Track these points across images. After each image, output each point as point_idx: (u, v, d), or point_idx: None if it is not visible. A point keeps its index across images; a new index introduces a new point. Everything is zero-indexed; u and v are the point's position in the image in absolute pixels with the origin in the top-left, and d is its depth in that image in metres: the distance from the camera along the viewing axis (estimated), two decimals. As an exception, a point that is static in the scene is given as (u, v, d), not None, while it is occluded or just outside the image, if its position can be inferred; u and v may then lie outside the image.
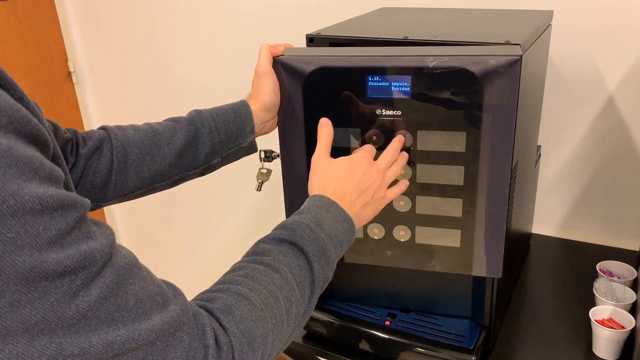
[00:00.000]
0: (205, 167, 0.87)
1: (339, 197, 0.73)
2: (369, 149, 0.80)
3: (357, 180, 0.75)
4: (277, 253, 0.64)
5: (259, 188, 0.98)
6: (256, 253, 0.64)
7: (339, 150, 0.85)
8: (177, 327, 0.49)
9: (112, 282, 0.45)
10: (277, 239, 0.66)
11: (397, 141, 0.81)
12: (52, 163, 0.45)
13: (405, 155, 0.82)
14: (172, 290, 0.52)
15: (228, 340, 0.52)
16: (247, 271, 0.61)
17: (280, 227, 0.68)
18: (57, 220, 0.42)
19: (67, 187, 0.47)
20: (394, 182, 0.81)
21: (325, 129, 0.81)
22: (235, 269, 0.62)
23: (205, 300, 0.56)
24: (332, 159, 0.78)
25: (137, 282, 0.47)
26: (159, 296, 0.49)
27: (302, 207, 0.72)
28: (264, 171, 0.98)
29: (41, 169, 0.42)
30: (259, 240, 0.67)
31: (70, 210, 0.43)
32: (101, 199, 0.80)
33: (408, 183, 0.83)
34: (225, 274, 0.62)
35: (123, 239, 2.34)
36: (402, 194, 0.84)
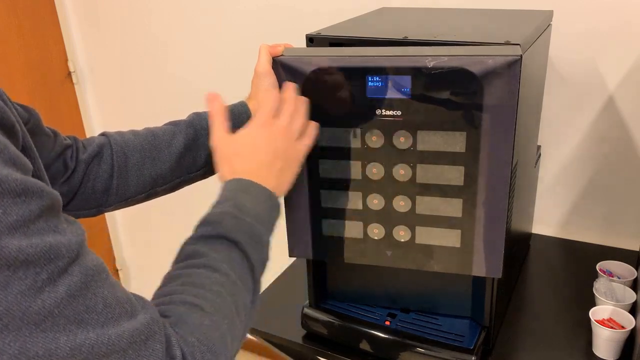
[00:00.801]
0: (206, 170, 0.87)
1: (253, 174, 0.71)
2: (267, 108, 0.76)
3: (264, 150, 0.73)
4: (208, 251, 0.61)
5: None
6: (187, 257, 0.61)
7: (338, 150, 0.85)
8: (148, 335, 0.47)
9: (80, 281, 0.43)
10: (204, 236, 0.63)
11: (291, 89, 0.79)
12: (20, 152, 0.44)
13: (302, 98, 0.79)
14: (141, 302, 0.50)
15: (191, 350, 0.51)
16: (184, 279, 0.58)
17: (203, 223, 0.65)
18: (20, 207, 0.40)
19: (38, 177, 0.46)
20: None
21: (215, 105, 0.77)
22: (170, 278, 0.59)
23: None
24: (232, 136, 0.75)
25: (105, 286, 0.46)
26: (128, 304, 0.47)
27: (219, 196, 0.69)
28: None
29: (5, 151, 0.41)
30: (184, 243, 0.64)
31: (35, 198, 0.42)
32: (103, 204, 0.80)
33: (316, 124, 0.80)
34: (162, 286, 0.58)
35: (124, 241, 2.34)
36: (402, 194, 0.84)
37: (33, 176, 0.45)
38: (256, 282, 0.64)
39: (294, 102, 0.78)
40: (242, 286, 0.61)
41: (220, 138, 0.76)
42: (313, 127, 0.81)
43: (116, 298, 0.46)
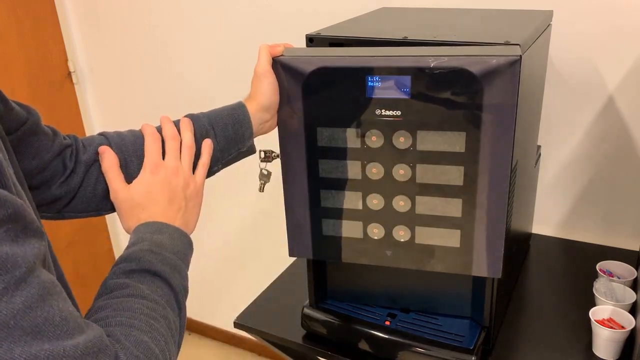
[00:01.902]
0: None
1: (161, 217, 0.72)
2: (151, 155, 0.76)
3: (160, 196, 0.74)
4: (134, 283, 0.62)
5: (262, 189, 0.98)
6: (112, 289, 0.61)
7: (338, 150, 0.85)
8: (100, 348, 0.48)
9: (37, 293, 0.43)
10: (126, 271, 0.64)
11: (167, 122, 0.79)
12: None
13: (181, 136, 0.79)
14: (86, 321, 0.50)
15: None
16: (114, 306, 0.58)
17: (122, 260, 0.65)
18: None
19: (3, 185, 0.46)
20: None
21: (106, 158, 0.76)
22: (98, 309, 0.58)
23: None
24: (128, 188, 0.75)
25: (60, 301, 0.46)
26: (79, 319, 0.48)
27: (133, 238, 0.70)
28: (265, 172, 0.98)
29: None
30: (105, 280, 0.64)
31: None
32: (103, 208, 0.80)
33: (209, 151, 0.80)
34: (90, 317, 0.57)
35: (124, 242, 2.34)
36: (402, 194, 0.84)
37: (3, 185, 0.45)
38: (181, 309, 0.65)
39: (176, 138, 0.79)
40: (170, 311, 0.62)
41: (117, 192, 0.75)
42: (206, 150, 0.80)
43: (70, 312, 0.46)
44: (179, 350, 0.63)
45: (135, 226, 0.72)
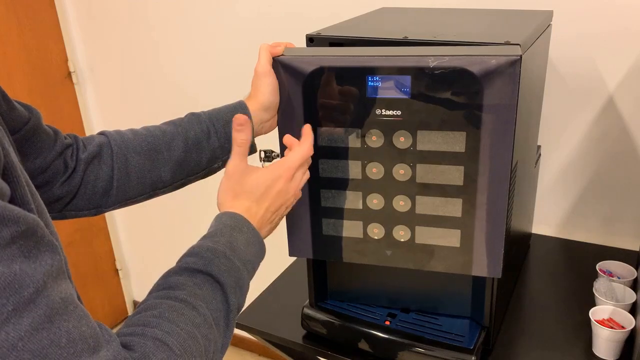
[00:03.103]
0: (207, 171, 0.87)
1: (253, 215, 0.71)
2: (293, 164, 0.76)
3: (272, 200, 0.73)
4: (192, 286, 0.60)
5: None
6: (169, 287, 0.60)
7: (338, 150, 0.85)
8: None
9: (44, 314, 0.43)
10: (191, 269, 0.62)
11: (309, 146, 0.79)
12: (4, 176, 0.43)
13: (310, 160, 0.80)
14: (107, 336, 0.49)
15: None
16: (161, 310, 0.56)
17: (192, 254, 0.64)
18: None
19: (18, 201, 0.46)
20: None
21: (242, 134, 0.74)
22: (147, 307, 0.57)
23: (122, 345, 0.52)
24: (249, 170, 0.74)
25: (71, 320, 0.45)
26: (92, 339, 0.46)
27: (213, 227, 0.68)
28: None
29: None
30: (169, 271, 0.62)
31: (10, 224, 0.41)
32: (103, 205, 0.80)
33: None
34: (137, 313, 0.57)
35: (124, 242, 2.34)
36: (402, 193, 0.84)
37: (14, 197, 0.44)
38: (230, 326, 0.63)
39: (309, 161, 0.79)
40: (215, 330, 0.60)
41: (236, 167, 0.74)
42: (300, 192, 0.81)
43: (80, 333, 0.45)
44: None
45: (225, 210, 0.70)
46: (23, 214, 0.43)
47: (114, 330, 0.51)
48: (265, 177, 0.74)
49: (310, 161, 0.81)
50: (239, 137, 0.75)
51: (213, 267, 0.62)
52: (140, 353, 0.51)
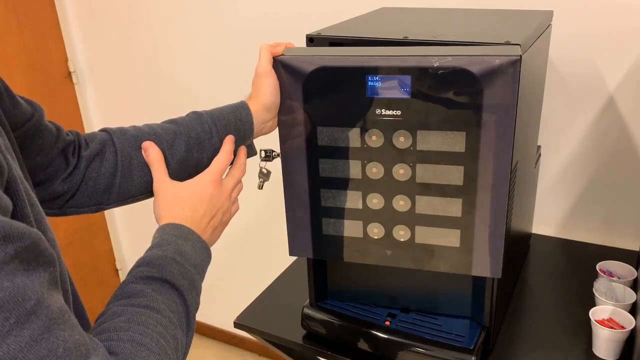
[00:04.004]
0: None
1: (192, 223, 0.73)
2: (218, 167, 0.80)
3: (206, 206, 0.76)
4: (151, 292, 0.62)
5: (261, 187, 0.98)
6: (130, 295, 0.62)
7: (338, 150, 0.85)
8: None
9: (44, 324, 0.43)
10: (146, 277, 0.64)
11: (243, 154, 0.84)
12: (7, 189, 0.44)
13: (243, 169, 0.84)
14: (93, 343, 0.50)
15: None
16: (129, 316, 0.58)
17: (145, 263, 0.66)
18: None
19: (19, 213, 0.47)
20: None
21: (151, 154, 0.79)
22: (114, 314, 0.59)
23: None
24: (177, 183, 0.78)
25: (66, 329, 0.46)
26: (83, 347, 0.47)
27: (158, 238, 0.71)
28: (265, 171, 0.98)
29: None
30: (125, 282, 0.65)
31: (15, 241, 0.42)
32: (103, 202, 0.80)
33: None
34: (103, 322, 0.58)
35: (124, 241, 2.34)
36: (402, 193, 0.84)
37: (15, 211, 0.45)
38: (191, 326, 0.66)
39: (242, 170, 0.83)
40: (179, 330, 0.62)
41: (161, 183, 0.78)
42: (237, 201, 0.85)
43: (74, 341, 0.46)
44: None
45: (165, 222, 0.73)
46: (27, 230, 0.44)
47: None
48: (194, 186, 0.78)
49: (241, 170, 0.84)
50: (150, 156, 0.79)
51: (167, 273, 0.65)
52: (123, 355, 0.52)
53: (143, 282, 0.64)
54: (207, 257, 0.73)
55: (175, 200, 0.76)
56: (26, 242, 0.43)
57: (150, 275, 0.64)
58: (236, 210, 0.84)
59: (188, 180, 0.78)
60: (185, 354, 0.65)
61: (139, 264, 0.67)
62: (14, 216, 0.45)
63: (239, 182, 0.84)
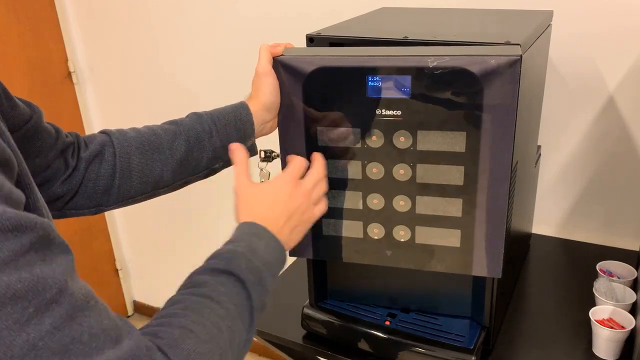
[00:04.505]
0: (208, 172, 0.87)
1: (269, 223, 0.73)
2: (296, 167, 0.80)
3: (283, 205, 0.76)
4: (215, 284, 0.62)
5: None
6: (193, 285, 0.62)
7: (338, 150, 0.85)
8: None
9: (66, 312, 0.43)
10: (213, 269, 0.64)
11: (320, 159, 0.83)
12: (17, 183, 0.44)
13: (321, 170, 0.83)
14: (127, 327, 0.50)
15: None
16: (187, 304, 0.59)
17: (214, 257, 0.67)
18: (12, 242, 0.41)
19: (34, 205, 0.47)
20: None
21: (238, 155, 0.81)
22: (174, 302, 0.60)
23: (149, 334, 0.53)
24: (256, 184, 0.78)
25: (92, 315, 0.46)
26: (113, 331, 0.47)
27: (233, 235, 0.71)
28: (265, 172, 0.98)
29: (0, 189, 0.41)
30: (193, 272, 0.65)
31: (28, 232, 0.42)
32: (103, 204, 0.80)
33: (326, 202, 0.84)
34: (164, 308, 0.59)
35: (124, 241, 2.34)
36: (402, 193, 0.84)
37: (27, 203, 0.45)
38: (253, 323, 0.65)
39: (321, 171, 0.82)
40: (240, 323, 0.62)
41: (242, 185, 0.78)
42: (325, 201, 0.84)
43: (102, 326, 0.46)
44: None
45: (242, 221, 0.73)
46: (40, 220, 0.44)
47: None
48: (272, 186, 0.78)
49: (320, 170, 0.83)
50: (236, 157, 0.81)
51: (234, 266, 0.64)
52: (167, 340, 0.52)
53: (209, 274, 0.64)
54: (281, 257, 0.73)
55: (253, 200, 0.76)
56: (39, 232, 0.43)
57: (216, 268, 0.64)
58: (321, 211, 0.82)
59: (266, 182, 0.79)
60: (246, 348, 0.64)
61: (210, 257, 0.67)
62: (26, 209, 0.45)
63: (320, 182, 0.82)
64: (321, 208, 0.82)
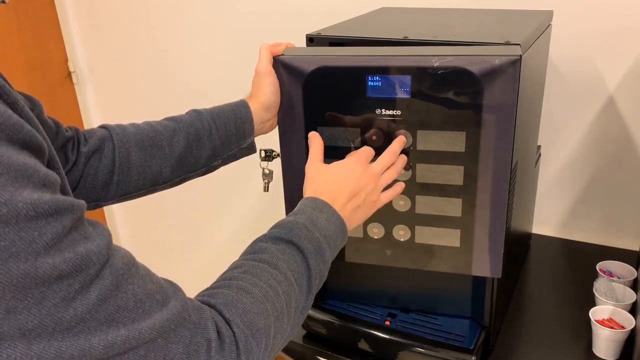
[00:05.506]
0: (207, 169, 0.87)
1: (331, 199, 0.74)
2: (364, 151, 0.80)
3: (349, 184, 0.76)
4: (274, 251, 0.65)
5: (266, 189, 0.98)
6: (254, 251, 0.65)
7: (338, 150, 0.85)
8: (178, 323, 0.49)
9: (110, 283, 0.45)
10: (274, 237, 0.67)
11: (398, 143, 0.80)
12: (48, 168, 0.45)
13: (403, 158, 0.82)
14: (172, 287, 0.52)
15: (231, 332, 0.53)
16: (246, 268, 0.62)
17: (276, 226, 0.69)
18: (53, 225, 0.42)
19: (63, 190, 0.47)
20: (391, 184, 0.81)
21: (314, 140, 0.82)
22: (234, 267, 0.63)
23: (207, 296, 0.57)
24: (325, 164, 0.79)
25: (136, 281, 0.48)
26: (159, 294, 0.49)
27: (296, 208, 0.73)
28: (267, 172, 0.98)
29: (35, 175, 0.42)
30: (256, 240, 0.68)
31: (67, 213, 0.43)
32: (102, 199, 0.80)
33: (404, 186, 0.83)
34: (225, 272, 0.62)
35: (122, 238, 2.34)
36: (402, 193, 0.84)
37: (61, 186, 0.46)
38: (310, 290, 0.67)
39: (394, 157, 0.81)
40: (297, 289, 0.64)
41: (314, 166, 0.79)
42: (400, 186, 0.83)
43: (146, 291, 0.48)
44: (293, 330, 0.65)
45: (307, 196, 0.75)
46: (76, 202, 0.45)
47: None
48: (339, 165, 0.78)
49: (393, 156, 0.81)
50: (314, 140, 0.82)
51: (294, 235, 0.67)
52: (224, 299, 0.56)
53: (270, 241, 0.66)
54: (341, 232, 0.73)
55: (319, 177, 0.77)
56: (77, 212, 0.44)
57: (277, 236, 0.67)
58: (389, 198, 0.81)
59: (336, 161, 0.79)
60: (303, 315, 0.66)
61: (273, 226, 0.69)
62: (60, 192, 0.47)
63: (390, 168, 0.80)
64: (388, 195, 0.81)
